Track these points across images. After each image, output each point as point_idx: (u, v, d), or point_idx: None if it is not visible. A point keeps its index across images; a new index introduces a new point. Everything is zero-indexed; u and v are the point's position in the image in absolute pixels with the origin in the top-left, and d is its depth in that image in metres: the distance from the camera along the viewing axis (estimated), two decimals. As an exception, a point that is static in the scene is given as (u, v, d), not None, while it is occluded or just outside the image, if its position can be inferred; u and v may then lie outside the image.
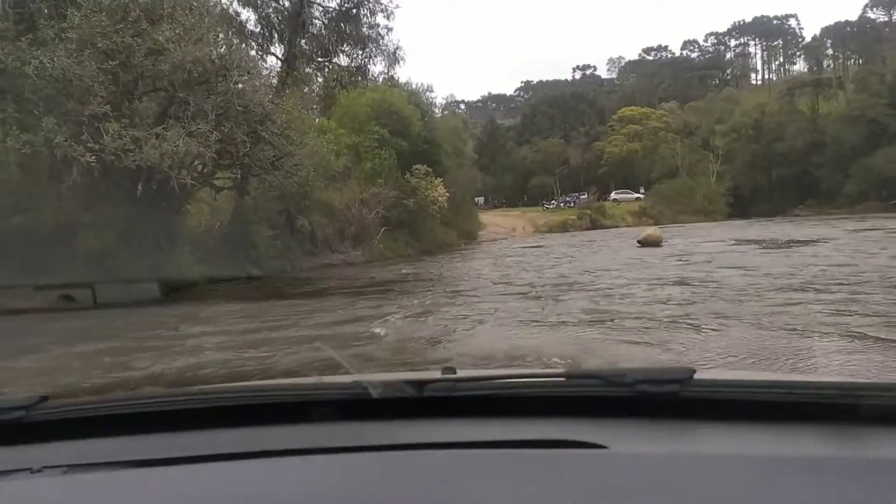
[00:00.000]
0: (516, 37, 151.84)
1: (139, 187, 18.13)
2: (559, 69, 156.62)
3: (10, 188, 17.22)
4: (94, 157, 13.59)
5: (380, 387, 1.18)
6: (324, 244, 24.93)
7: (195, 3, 16.95)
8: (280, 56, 37.74)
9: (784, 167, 66.95)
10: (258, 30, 36.67)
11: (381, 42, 39.01)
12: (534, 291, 12.08)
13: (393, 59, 38.72)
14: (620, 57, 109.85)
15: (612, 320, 8.41)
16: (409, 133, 29.54)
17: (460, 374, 1.32)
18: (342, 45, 38.77)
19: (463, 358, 6.42)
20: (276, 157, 18.42)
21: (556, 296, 11.22)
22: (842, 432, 1.04)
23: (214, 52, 15.75)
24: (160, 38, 14.63)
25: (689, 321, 7.94)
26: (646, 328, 7.65)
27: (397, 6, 37.39)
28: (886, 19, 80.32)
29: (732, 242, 22.42)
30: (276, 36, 37.65)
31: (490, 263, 20.32)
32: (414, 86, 33.82)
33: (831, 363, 5.64)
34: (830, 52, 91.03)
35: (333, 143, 25.11)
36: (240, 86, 16.57)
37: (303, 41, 37.41)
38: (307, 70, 37.73)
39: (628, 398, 1.12)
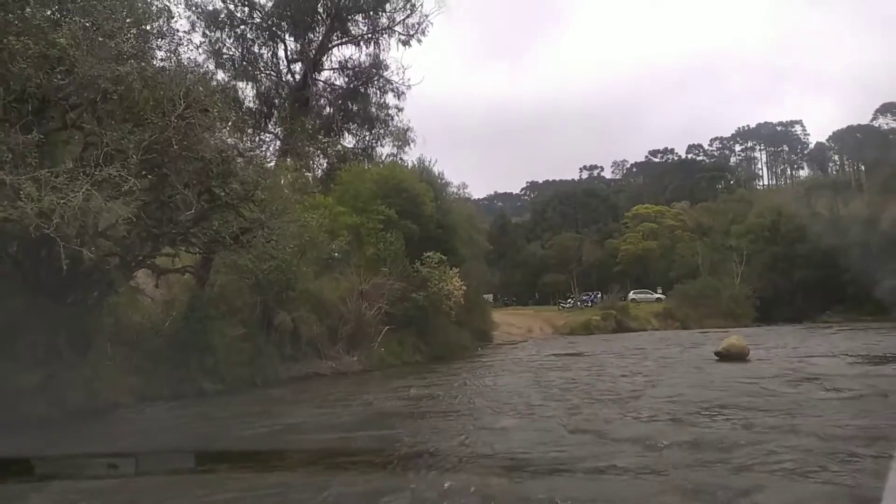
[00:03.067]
0: (521, 138, 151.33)
1: (43, 270, 12.40)
2: (563, 170, 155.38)
3: None
4: None
5: None
6: (310, 347, 18.83)
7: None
8: (279, 135, 33.26)
9: (806, 270, 61.52)
10: (255, 106, 32.19)
11: (390, 123, 34.54)
12: (672, 470, 6.01)
13: (403, 140, 34.13)
14: (624, 160, 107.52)
15: None
16: (419, 215, 24.13)
17: None
18: (348, 125, 34.33)
19: None
20: (243, 228, 12.79)
21: (743, 493, 5.18)
22: None
23: (150, 70, 10.43)
24: (62, 41, 9.35)
25: None
26: None
27: (409, 86, 32.94)
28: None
29: (850, 360, 16.33)
30: (275, 114, 33.22)
31: (530, 382, 14.21)
32: (427, 163, 28.67)
33: None
34: (837, 158, 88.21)
35: (328, 221, 19.59)
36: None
37: (305, 120, 32.93)
38: (308, 149, 33.07)
39: None
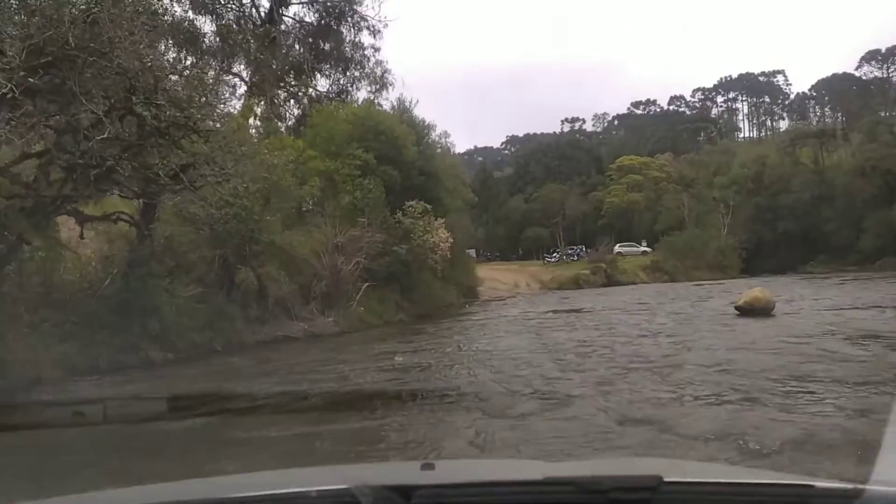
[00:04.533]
0: (500, 91, 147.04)
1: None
2: (544, 124, 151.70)
3: None
4: None
5: (369, 494, 1.17)
6: (279, 307, 16.40)
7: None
8: (245, 78, 30.05)
9: (790, 221, 60.20)
10: (216, 44, 28.77)
11: (366, 64, 31.40)
12: None
13: (380, 83, 31.08)
14: (605, 113, 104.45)
15: None
16: (401, 160, 21.48)
17: (441, 469, 1.48)
18: (320, 66, 31.13)
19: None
20: (184, 165, 10.13)
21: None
22: None
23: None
24: None
25: None
26: None
27: (386, 24, 29.71)
28: (880, 74, 75.68)
29: (891, 313, 14.34)
30: (240, 53, 29.87)
31: (536, 345, 11.98)
32: (408, 103, 25.79)
33: None
34: (817, 108, 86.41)
35: (298, 165, 16.95)
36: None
37: (272, 59, 29.65)
38: (278, 92, 29.98)
39: None
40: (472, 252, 45.50)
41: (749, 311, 15.02)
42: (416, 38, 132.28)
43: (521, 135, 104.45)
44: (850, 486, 1.18)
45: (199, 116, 9.33)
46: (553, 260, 49.42)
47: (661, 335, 12.21)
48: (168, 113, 9.15)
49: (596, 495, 1.14)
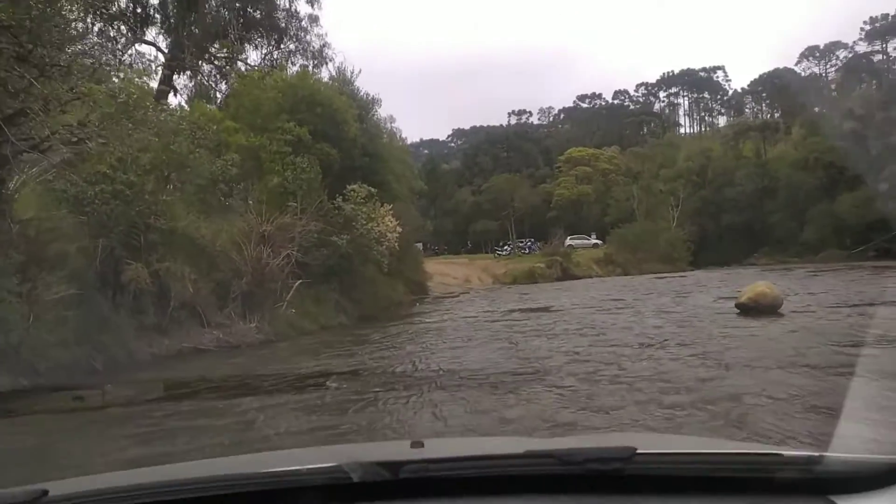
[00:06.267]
0: (445, 83, 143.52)
1: None
2: (490, 116, 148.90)
3: None
4: None
5: (358, 470, 1.19)
6: (185, 312, 12.92)
7: None
8: (162, 48, 26.05)
9: (734, 213, 59.99)
10: (128, 5, 24.69)
11: (302, 37, 27.82)
12: None
13: (319, 58, 27.54)
14: (551, 107, 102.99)
15: None
16: (340, 138, 18.21)
17: (429, 447, 1.48)
18: (250, 35, 27.33)
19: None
20: (14, 111, 6.70)
21: None
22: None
23: None
24: None
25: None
26: None
27: (327, -9, 26.17)
28: (817, 70, 76.61)
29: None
30: (156, 17, 25.86)
31: (515, 360, 9.06)
32: (349, 73, 22.43)
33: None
34: (755, 105, 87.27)
35: (207, 131, 13.49)
36: None
37: (193, 26, 25.76)
38: (201, 64, 26.15)
39: (580, 475, 1.18)
40: (420, 245, 42.54)
41: (753, 308, 12.61)
42: (357, 25, 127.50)
43: (467, 127, 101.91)
44: (814, 453, 1.21)
45: (26, 31, 5.92)
46: (504, 253, 46.99)
47: (670, 344, 9.52)
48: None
49: (573, 466, 1.17)
